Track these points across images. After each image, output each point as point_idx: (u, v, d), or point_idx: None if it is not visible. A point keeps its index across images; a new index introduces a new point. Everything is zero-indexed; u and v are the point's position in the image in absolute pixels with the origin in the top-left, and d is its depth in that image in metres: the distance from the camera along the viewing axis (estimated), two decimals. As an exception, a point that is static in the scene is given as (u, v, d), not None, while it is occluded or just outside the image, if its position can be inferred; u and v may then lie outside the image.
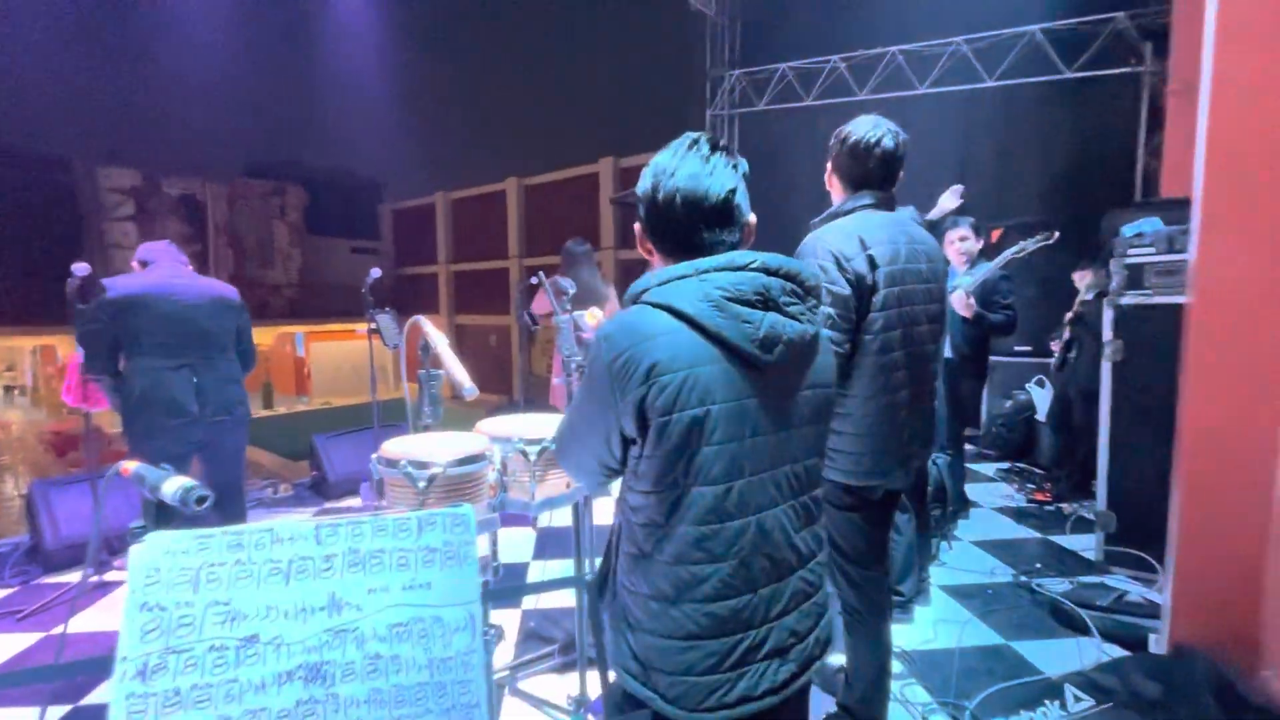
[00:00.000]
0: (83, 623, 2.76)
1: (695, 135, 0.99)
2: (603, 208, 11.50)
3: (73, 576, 3.12)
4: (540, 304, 3.41)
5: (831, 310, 1.53)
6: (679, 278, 0.94)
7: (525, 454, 1.47)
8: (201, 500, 0.87)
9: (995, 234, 4.62)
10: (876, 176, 1.63)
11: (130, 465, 0.93)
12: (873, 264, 1.54)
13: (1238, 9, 1.83)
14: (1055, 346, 4.38)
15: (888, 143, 1.61)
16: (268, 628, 0.51)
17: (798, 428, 0.99)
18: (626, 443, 0.96)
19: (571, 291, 1.94)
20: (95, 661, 0.49)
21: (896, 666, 2.35)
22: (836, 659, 2.27)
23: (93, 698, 2.25)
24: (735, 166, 0.99)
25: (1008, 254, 3.33)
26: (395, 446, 1.28)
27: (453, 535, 0.60)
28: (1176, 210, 2.86)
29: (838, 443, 1.62)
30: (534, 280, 4.42)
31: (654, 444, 0.91)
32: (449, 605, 0.58)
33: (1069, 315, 4.23)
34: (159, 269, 2.66)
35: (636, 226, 1.05)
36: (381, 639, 0.54)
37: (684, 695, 0.93)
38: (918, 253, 1.65)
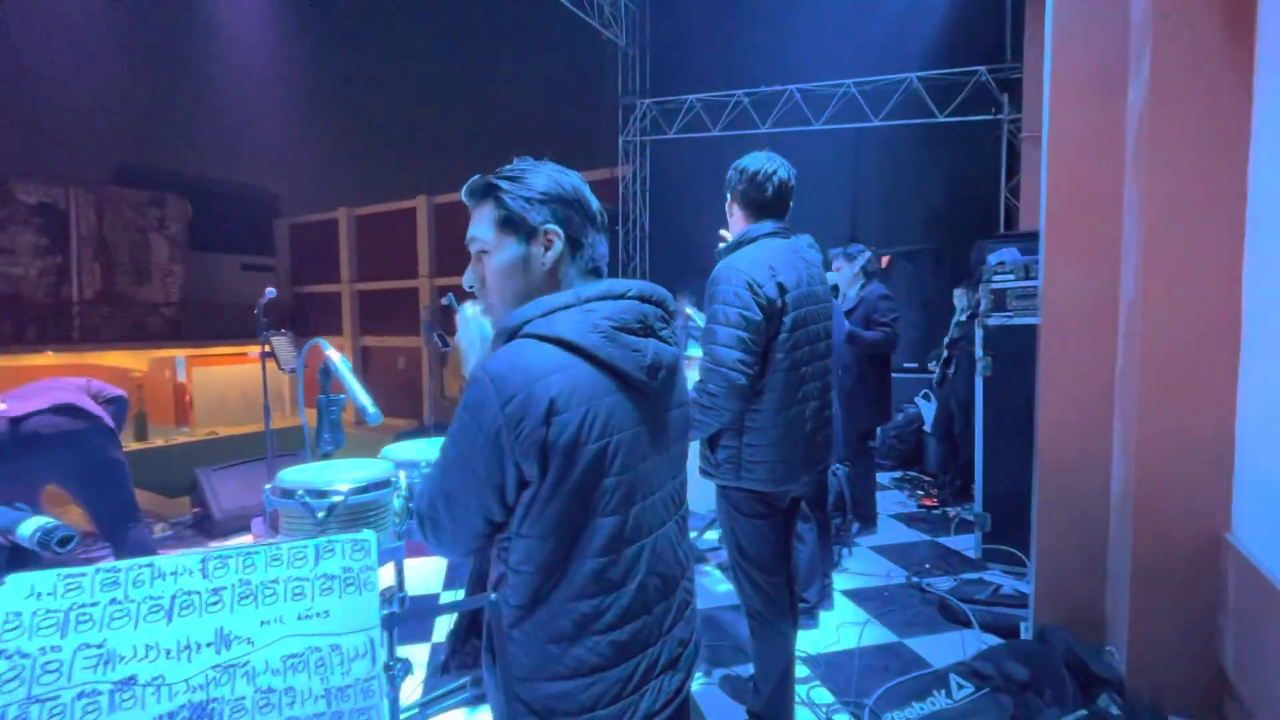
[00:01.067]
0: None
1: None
2: (517, 227, 11.36)
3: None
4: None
5: (744, 334, 1.63)
6: (561, 308, 0.91)
7: (433, 478, 1.44)
8: (65, 541, 0.80)
9: (884, 260, 5.04)
10: (775, 205, 1.78)
11: (-27, 504, 0.84)
12: (782, 290, 1.67)
13: (1066, 64, 2.15)
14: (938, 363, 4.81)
15: (782, 174, 1.77)
16: (146, 669, 0.49)
17: (673, 445, 1.04)
18: (519, 490, 0.89)
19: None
20: None
21: (802, 670, 2.46)
22: (747, 668, 2.35)
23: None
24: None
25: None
26: (292, 476, 1.22)
27: (352, 561, 0.60)
28: (1032, 241, 3.25)
29: (751, 454, 1.72)
30: (445, 301, 4.31)
31: (555, 484, 0.87)
32: (348, 633, 0.57)
33: (949, 336, 4.66)
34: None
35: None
36: (275, 671, 0.53)
37: None
38: (815, 276, 1.82)
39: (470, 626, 1.87)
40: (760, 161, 1.77)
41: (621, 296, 0.95)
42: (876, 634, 2.78)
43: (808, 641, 2.65)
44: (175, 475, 5.18)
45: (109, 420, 2.66)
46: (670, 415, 1.03)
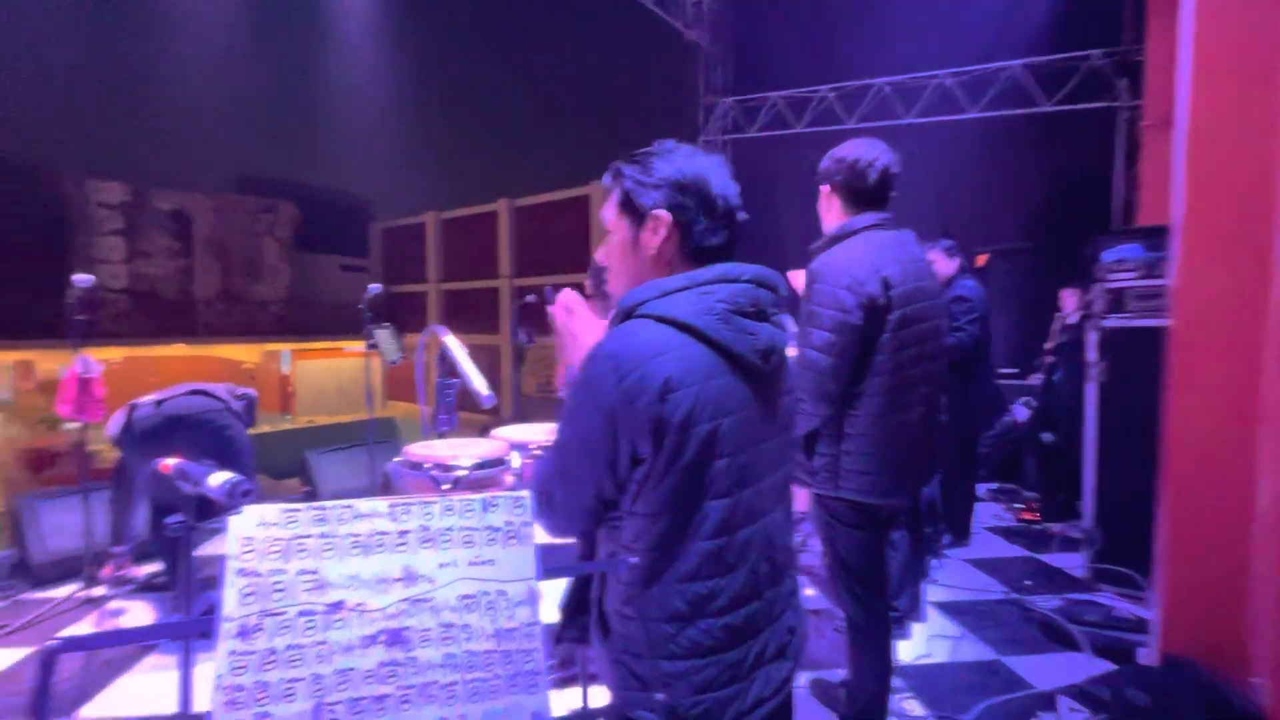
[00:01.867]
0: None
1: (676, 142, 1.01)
2: (593, 230, 11.61)
3: (61, 591, 3.05)
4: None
5: (839, 339, 1.55)
6: (677, 290, 0.93)
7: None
8: (247, 493, 0.90)
9: (981, 259, 4.77)
10: (878, 195, 1.68)
11: (170, 462, 0.95)
12: (887, 286, 1.56)
13: (1211, 47, 1.96)
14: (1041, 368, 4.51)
15: (885, 160, 1.66)
16: (351, 595, 0.54)
17: (783, 432, 1.03)
18: (633, 467, 0.91)
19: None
20: (201, 620, 0.52)
21: (894, 681, 2.37)
22: (836, 673, 2.29)
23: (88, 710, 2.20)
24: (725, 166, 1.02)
25: None
26: (419, 450, 1.31)
27: (514, 516, 0.64)
28: (1155, 237, 2.99)
29: (850, 462, 1.64)
30: (530, 298, 4.44)
31: (668, 462, 0.89)
32: (511, 581, 0.61)
33: (1050, 341, 4.36)
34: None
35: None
36: (453, 609, 0.57)
37: (706, 713, 0.92)
38: (922, 271, 1.69)
39: (580, 603, 1.92)
40: (861, 149, 1.67)
41: (737, 280, 0.95)
42: (973, 649, 2.64)
43: (898, 651, 2.55)
44: (281, 458, 5.64)
45: (235, 405, 2.96)
46: (781, 401, 1.02)
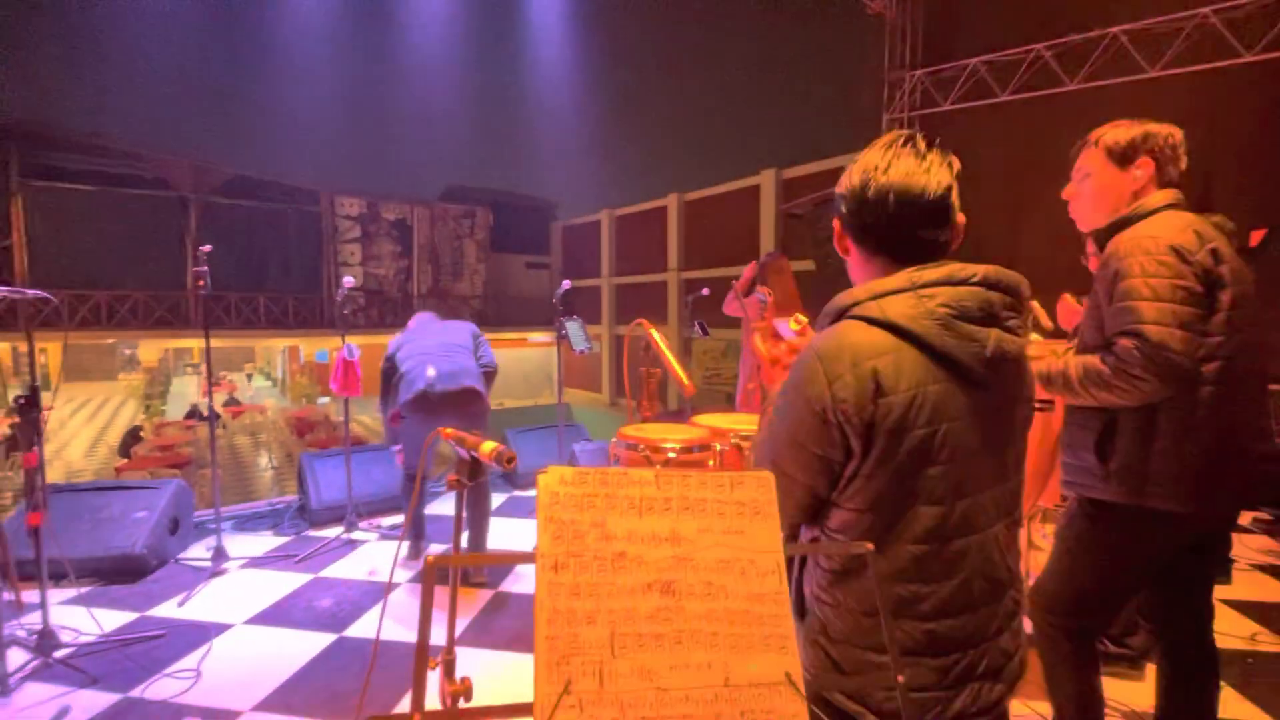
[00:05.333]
0: (340, 570, 3.36)
1: (907, 133, 0.96)
2: (763, 219, 11.42)
3: (330, 532, 3.80)
4: (732, 306, 3.47)
5: (1183, 307, 1.34)
6: (894, 291, 0.90)
7: (740, 448, 1.56)
8: (510, 460, 1.06)
9: (1256, 236, 3.88)
10: (1176, 178, 1.50)
11: (449, 430, 1.15)
12: (1217, 258, 1.39)
13: None
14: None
15: (1178, 138, 1.49)
16: (631, 548, 0.64)
17: (1012, 444, 0.97)
18: (845, 463, 0.91)
19: (769, 300, 2.00)
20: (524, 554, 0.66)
21: (1126, 725, 2.08)
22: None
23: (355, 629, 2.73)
24: (950, 165, 0.94)
25: None
26: (632, 432, 1.44)
27: (758, 494, 0.70)
28: None
29: (1166, 465, 1.42)
30: (704, 292, 4.49)
31: (877, 463, 0.88)
32: (759, 551, 0.67)
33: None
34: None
35: (835, 223, 1.02)
36: (712, 569, 0.65)
37: (898, 711, 0.89)
38: (1235, 253, 1.46)
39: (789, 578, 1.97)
40: (1162, 128, 1.50)
41: (964, 282, 0.90)
42: (1236, 708, 2.21)
43: (1129, 693, 2.23)
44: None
45: (482, 388, 3.28)
46: (1013, 412, 0.96)
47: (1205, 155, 4.90)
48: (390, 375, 3.23)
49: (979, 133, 6.05)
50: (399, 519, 4.00)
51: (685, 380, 1.51)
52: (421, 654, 0.63)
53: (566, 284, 4.29)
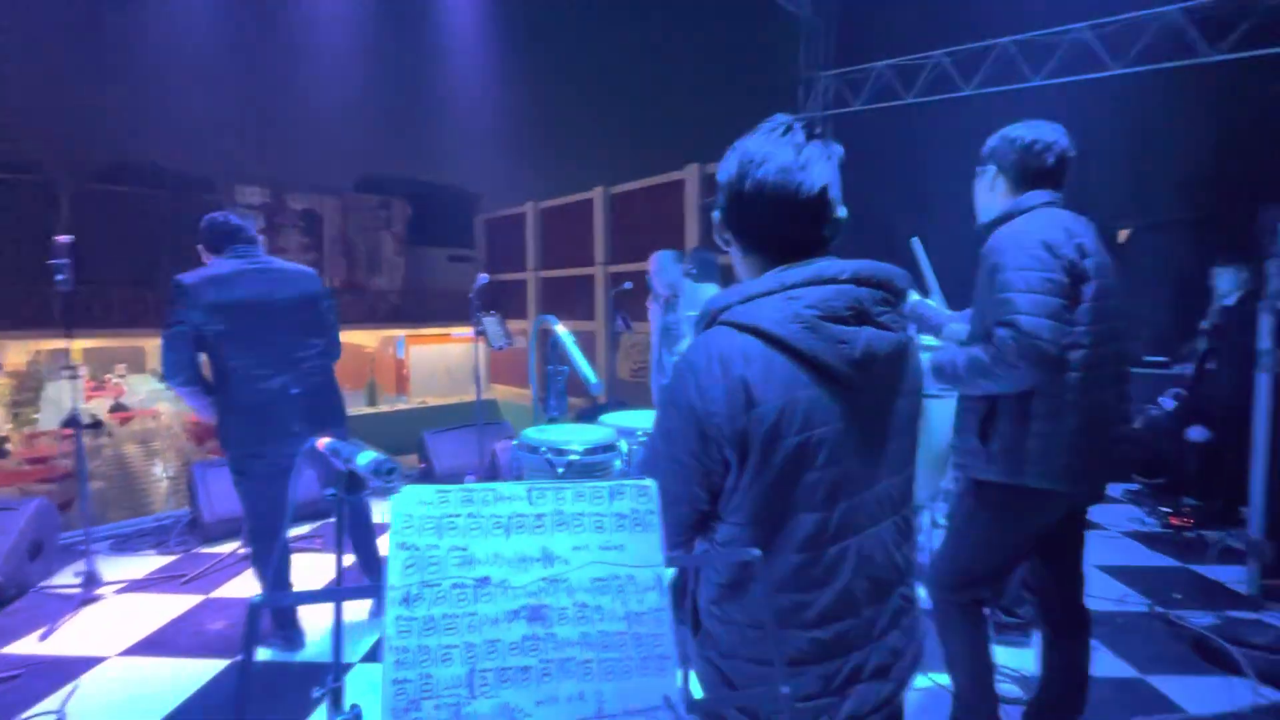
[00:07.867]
0: (236, 588, 3.10)
1: (788, 120, 0.92)
2: (688, 213, 11.54)
3: (225, 548, 3.50)
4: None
5: (1053, 300, 1.42)
6: (763, 294, 0.88)
7: (647, 447, 1.53)
8: (390, 472, 0.98)
9: (1122, 235, 4.27)
10: (1055, 177, 1.59)
11: (324, 440, 1.06)
12: (1082, 253, 1.48)
13: None
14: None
15: (1064, 143, 1.58)
16: (496, 572, 0.58)
17: (895, 440, 0.95)
18: (724, 476, 0.89)
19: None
20: (371, 588, 0.59)
21: (1014, 690, 2.22)
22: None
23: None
24: (829, 157, 0.91)
25: None
26: (534, 435, 1.38)
27: (638, 504, 0.66)
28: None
29: (1041, 444, 1.51)
30: (627, 286, 4.48)
31: (754, 475, 0.86)
32: (639, 566, 0.63)
33: (1205, 323, 3.84)
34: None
35: (715, 215, 0.99)
36: (587, 590, 0.60)
37: None
38: (1103, 248, 1.58)
39: (681, 590, 1.96)
40: (1038, 130, 1.59)
41: (832, 281, 0.88)
42: (1108, 664, 2.42)
43: (1021, 660, 2.39)
44: (399, 437, 6.15)
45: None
46: (892, 407, 0.95)
47: (1081, 158, 5.34)
48: None
49: (887, 133, 6.33)
50: (307, 528, 3.75)
51: (592, 378, 1.47)
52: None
53: (484, 278, 4.15)
